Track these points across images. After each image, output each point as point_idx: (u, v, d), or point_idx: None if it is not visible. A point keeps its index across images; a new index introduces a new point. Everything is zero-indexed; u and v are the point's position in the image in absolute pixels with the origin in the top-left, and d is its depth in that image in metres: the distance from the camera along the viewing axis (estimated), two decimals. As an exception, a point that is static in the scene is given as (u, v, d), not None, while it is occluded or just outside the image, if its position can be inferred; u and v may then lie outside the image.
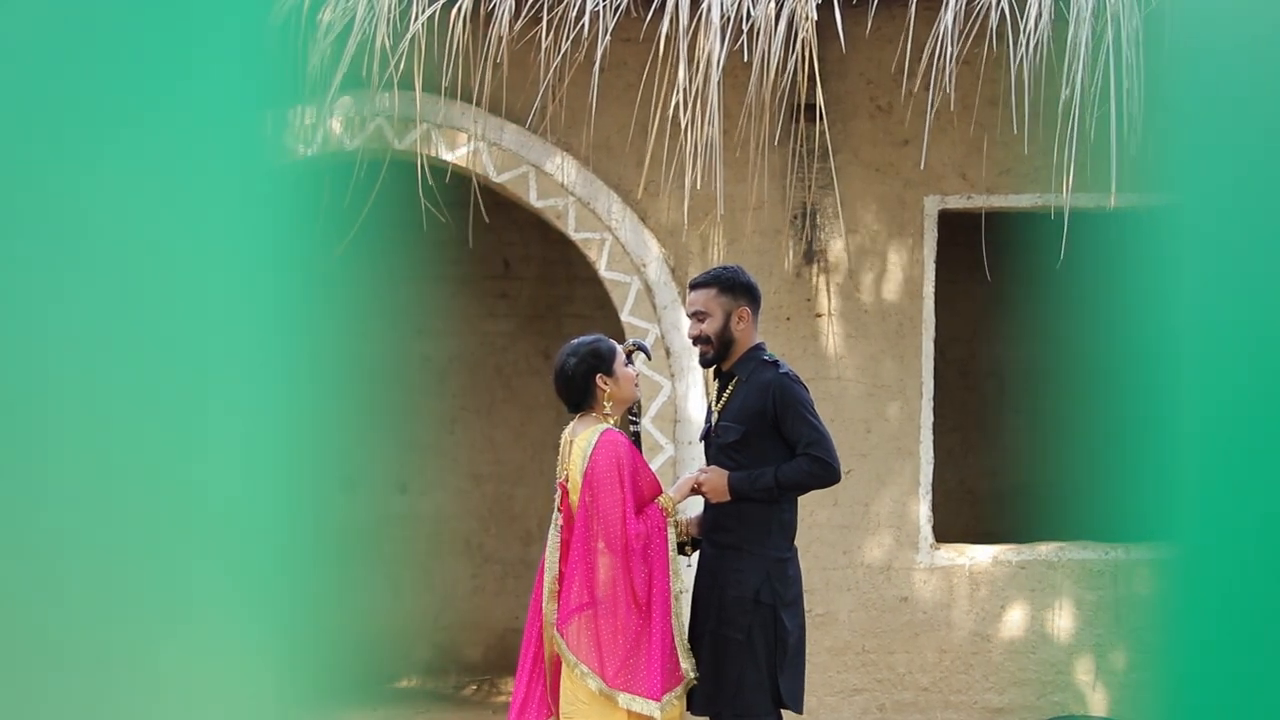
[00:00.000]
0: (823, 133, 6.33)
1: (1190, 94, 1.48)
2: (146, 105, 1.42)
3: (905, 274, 6.66)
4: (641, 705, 4.23)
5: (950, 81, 5.96)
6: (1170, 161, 1.51)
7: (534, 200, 6.68)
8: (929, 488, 6.70)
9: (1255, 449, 1.46)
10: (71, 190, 1.39)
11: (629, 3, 6.09)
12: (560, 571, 4.42)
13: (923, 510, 6.67)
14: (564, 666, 4.33)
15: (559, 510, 4.50)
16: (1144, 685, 1.53)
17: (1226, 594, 1.47)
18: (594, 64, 6.06)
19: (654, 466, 6.10)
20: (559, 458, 4.54)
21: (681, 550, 4.59)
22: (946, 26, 5.92)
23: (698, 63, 6.04)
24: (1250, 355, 1.46)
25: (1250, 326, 1.46)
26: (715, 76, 6.00)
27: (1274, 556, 1.45)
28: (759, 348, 4.61)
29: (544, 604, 4.44)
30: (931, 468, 6.71)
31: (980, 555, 6.72)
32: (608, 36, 6.02)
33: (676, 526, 4.47)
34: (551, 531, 4.52)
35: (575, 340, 4.53)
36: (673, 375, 6.64)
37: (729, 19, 6.04)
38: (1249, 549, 1.46)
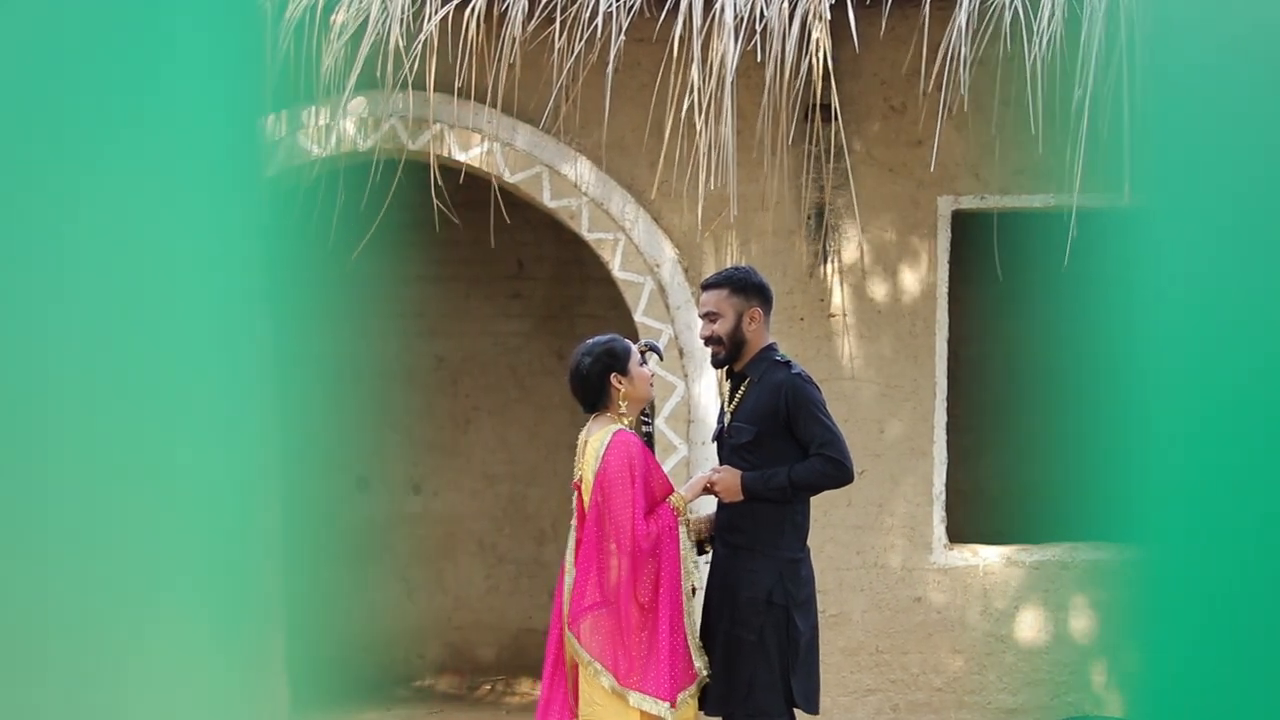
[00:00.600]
0: (837, 133, 6.33)
1: (1160, 96, 1.49)
2: (130, 109, 1.42)
3: (919, 274, 6.66)
4: (652, 705, 4.24)
5: (964, 82, 5.95)
6: (1142, 163, 1.52)
7: (548, 200, 6.68)
8: (942, 488, 6.70)
9: (1228, 449, 1.46)
10: (62, 193, 1.40)
11: (642, 3, 6.10)
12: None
13: (936, 511, 6.67)
14: (579, 666, 4.33)
15: (576, 511, 4.52)
16: (1126, 684, 1.53)
17: (1209, 594, 1.48)
18: (607, 64, 6.06)
19: (667, 467, 6.11)
20: (576, 458, 4.55)
21: (701, 550, 4.59)
22: (960, 26, 5.91)
23: (711, 63, 6.04)
24: (1224, 358, 1.46)
25: (1222, 328, 1.46)
26: (729, 77, 6.00)
27: (1252, 557, 1.46)
28: (771, 348, 4.61)
29: (564, 605, 4.45)
30: (945, 468, 6.71)
31: (993, 556, 6.71)
32: (621, 37, 6.03)
33: (688, 525, 4.47)
34: (571, 533, 4.53)
35: (590, 340, 4.53)
36: (686, 376, 6.64)
37: (742, 19, 6.05)
38: (1226, 549, 1.46)
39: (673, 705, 4.26)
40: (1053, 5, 5.82)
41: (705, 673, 4.42)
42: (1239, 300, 1.46)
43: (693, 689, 4.36)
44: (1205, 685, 1.48)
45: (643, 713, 4.25)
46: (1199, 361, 1.47)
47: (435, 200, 6.24)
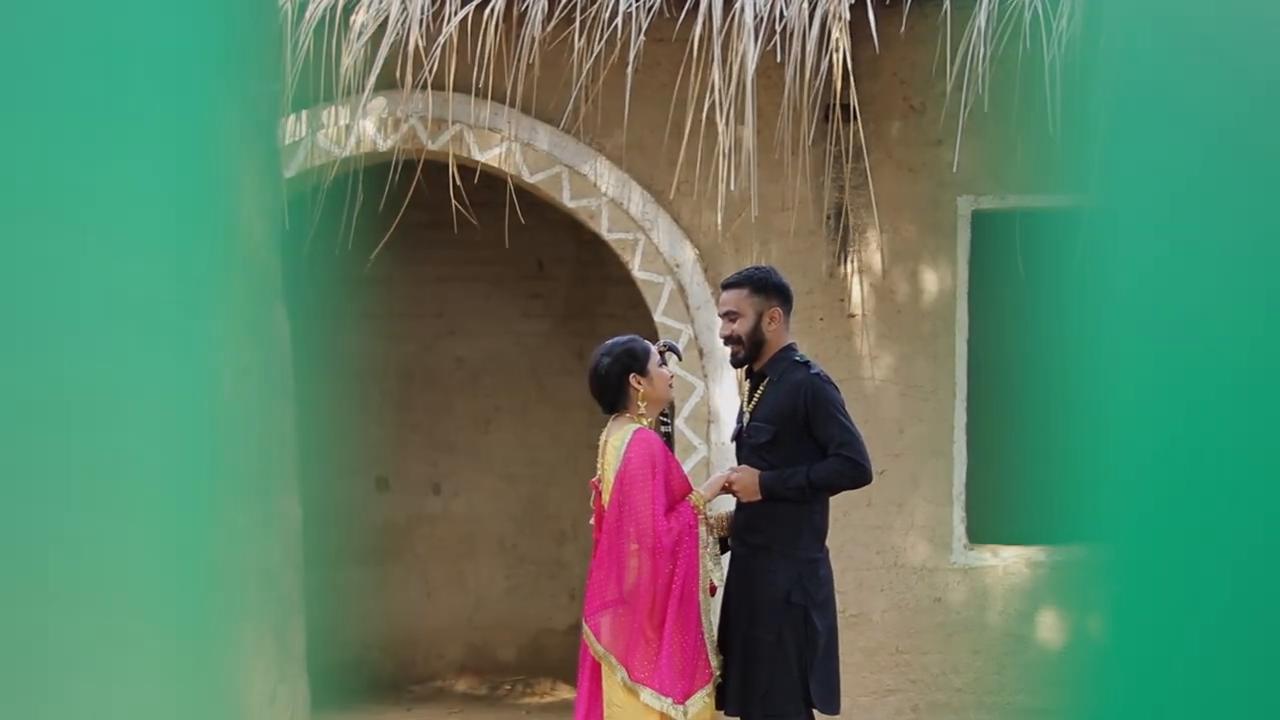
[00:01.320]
0: (856, 133, 6.32)
1: (1122, 94, 1.48)
2: (138, 108, 1.42)
3: (939, 274, 6.64)
4: (661, 704, 4.23)
5: (983, 81, 5.93)
6: (1099, 162, 1.52)
7: (567, 201, 6.68)
8: (963, 488, 6.68)
9: (1214, 449, 1.45)
10: (72, 193, 1.40)
11: (662, 3, 6.10)
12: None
13: (956, 511, 6.65)
14: (601, 665, 4.33)
15: (594, 510, 4.52)
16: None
17: (1197, 594, 1.47)
18: (627, 65, 6.06)
19: (687, 467, 6.10)
20: (598, 459, 4.55)
21: (725, 547, 4.60)
22: (980, 26, 5.90)
23: (731, 63, 6.04)
24: (1217, 356, 1.46)
25: (1188, 327, 1.45)
26: (749, 77, 6.00)
27: (1242, 557, 1.45)
28: (790, 348, 4.60)
29: None
30: (965, 468, 6.69)
31: (1013, 556, 6.69)
32: (641, 37, 6.03)
33: (708, 523, 4.46)
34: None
35: (610, 340, 4.53)
36: (706, 376, 6.64)
37: (762, 19, 6.04)
38: (1208, 548, 1.46)
39: (677, 702, 4.25)
40: (1072, 5, 5.80)
41: (719, 672, 4.41)
42: (1224, 299, 1.45)
43: (708, 688, 4.35)
44: (1190, 685, 1.47)
45: (661, 714, 4.25)
46: (1189, 361, 1.46)
47: (454, 201, 6.25)
